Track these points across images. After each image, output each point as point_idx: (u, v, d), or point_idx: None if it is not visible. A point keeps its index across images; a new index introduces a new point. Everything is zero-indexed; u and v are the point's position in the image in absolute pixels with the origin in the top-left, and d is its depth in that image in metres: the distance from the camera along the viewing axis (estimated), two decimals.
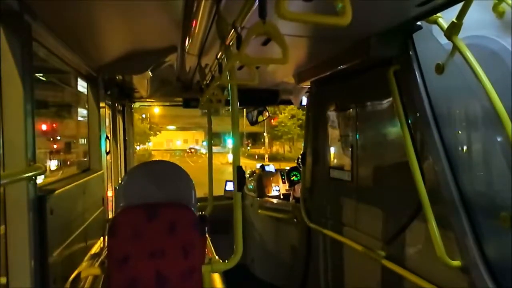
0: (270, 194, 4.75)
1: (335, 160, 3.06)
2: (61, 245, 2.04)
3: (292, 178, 4.76)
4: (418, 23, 2.01)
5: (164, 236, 2.14)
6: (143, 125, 38.94)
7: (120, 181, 2.50)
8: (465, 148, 1.93)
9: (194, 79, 3.69)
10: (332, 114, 3.14)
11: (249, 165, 6.35)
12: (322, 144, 3.29)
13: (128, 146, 4.84)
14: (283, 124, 36.54)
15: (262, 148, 53.82)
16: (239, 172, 1.91)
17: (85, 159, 3.11)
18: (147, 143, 47.73)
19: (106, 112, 3.50)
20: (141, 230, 2.13)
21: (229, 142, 35.96)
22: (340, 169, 2.94)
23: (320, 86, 3.30)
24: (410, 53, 2.05)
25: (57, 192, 2.02)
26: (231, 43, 1.74)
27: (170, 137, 76.21)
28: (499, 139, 1.74)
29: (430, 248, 1.85)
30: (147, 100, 4.88)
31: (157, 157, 45.21)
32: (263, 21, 1.20)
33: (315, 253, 3.44)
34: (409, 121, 2.07)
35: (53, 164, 7.22)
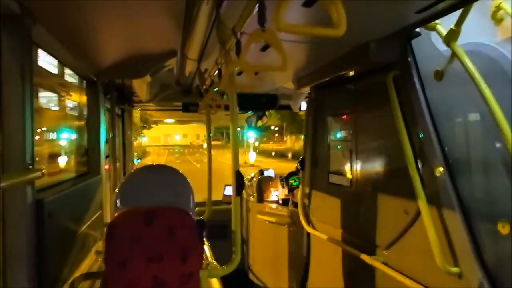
0: (269, 199, 4.75)
1: (334, 165, 3.06)
2: (58, 249, 2.03)
3: (291, 183, 4.76)
4: (417, 29, 2.02)
5: (162, 241, 2.13)
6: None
7: (118, 185, 2.49)
8: (464, 154, 1.93)
9: (193, 84, 3.70)
10: (331, 119, 3.14)
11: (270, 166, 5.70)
12: (321, 149, 3.30)
13: (127, 150, 4.84)
14: None
15: (271, 142, 51.46)
16: (237, 176, 1.91)
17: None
18: (139, 138, 41.25)
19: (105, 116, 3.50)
20: (139, 235, 2.12)
21: (250, 136, 31.13)
22: (339, 175, 2.94)
23: (319, 92, 3.30)
24: (409, 59, 2.06)
25: (55, 196, 2.01)
26: (230, 49, 1.74)
27: (168, 131, 68.84)
28: (498, 146, 1.74)
29: (429, 254, 1.84)
30: (147, 104, 4.89)
31: (152, 155, 40.67)
32: (262, 28, 1.21)
33: (314, 259, 3.43)
34: (408, 127, 2.07)
35: None
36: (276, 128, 46.12)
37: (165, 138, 70.05)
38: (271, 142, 51.65)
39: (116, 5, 1.74)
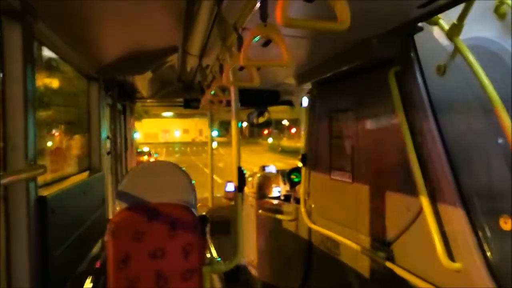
0: (270, 195, 4.75)
1: (336, 161, 3.06)
2: (62, 246, 2.04)
3: (292, 179, 4.76)
4: (419, 24, 2.01)
5: (164, 237, 2.14)
6: None
7: (120, 182, 2.50)
8: (466, 149, 1.92)
9: (195, 80, 3.70)
10: (332, 115, 3.14)
11: None
12: (322, 145, 3.29)
13: (129, 147, 4.85)
14: None
15: (284, 139, 43.98)
16: (239, 172, 1.92)
17: None
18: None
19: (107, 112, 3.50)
20: (142, 231, 2.13)
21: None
22: (340, 170, 2.94)
23: (320, 87, 3.30)
24: (411, 54, 2.05)
25: (58, 192, 2.02)
26: (232, 44, 1.74)
27: (167, 127, 60.79)
28: (500, 141, 1.74)
29: (431, 249, 1.85)
30: (148, 100, 4.89)
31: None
32: (264, 23, 1.21)
33: (315, 254, 3.44)
34: (410, 122, 2.07)
35: None
36: (287, 123, 39.40)
37: (163, 134, 62.81)
38: (284, 138, 45.74)
39: (118, 2, 1.74)
